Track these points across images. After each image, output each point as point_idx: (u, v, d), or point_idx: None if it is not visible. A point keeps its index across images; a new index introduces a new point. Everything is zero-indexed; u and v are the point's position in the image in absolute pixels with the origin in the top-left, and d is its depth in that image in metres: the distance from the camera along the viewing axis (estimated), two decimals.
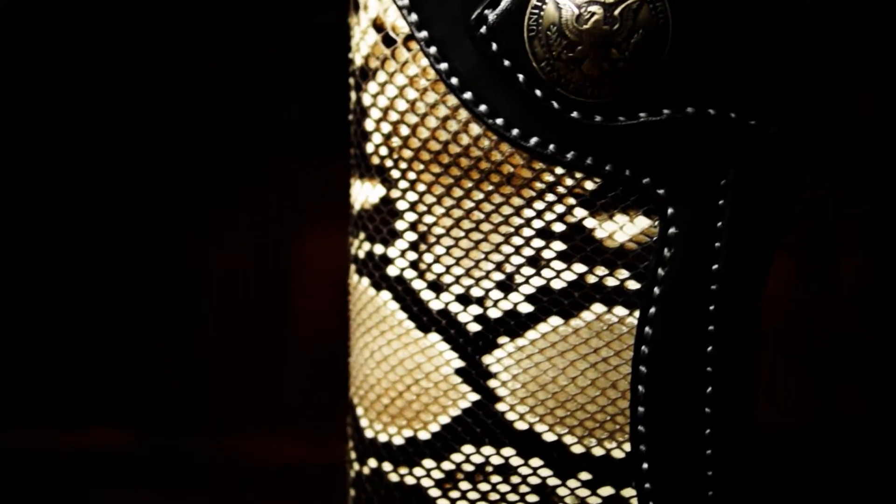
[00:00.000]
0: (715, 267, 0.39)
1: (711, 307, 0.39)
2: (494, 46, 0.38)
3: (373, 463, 0.42)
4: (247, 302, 0.74)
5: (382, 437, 0.42)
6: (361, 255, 0.42)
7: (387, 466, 0.42)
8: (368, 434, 0.42)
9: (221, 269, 0.74)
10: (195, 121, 0.75)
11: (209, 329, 0.74)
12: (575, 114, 0.38)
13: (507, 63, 0.38)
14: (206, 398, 0.72)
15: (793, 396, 0.73)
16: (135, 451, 0.65)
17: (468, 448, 0.41)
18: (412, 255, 0.40)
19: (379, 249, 0.41)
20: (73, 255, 0.76)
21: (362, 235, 0.42)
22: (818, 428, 0.70)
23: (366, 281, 0.42)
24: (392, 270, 0.41)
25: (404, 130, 0.40)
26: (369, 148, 0.41)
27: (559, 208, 0.39)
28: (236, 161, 0.74)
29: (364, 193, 0.41)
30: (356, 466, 0.43)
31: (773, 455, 0.64)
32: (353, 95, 0.42)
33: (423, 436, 0.41)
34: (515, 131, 0.39)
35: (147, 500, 0.57)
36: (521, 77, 0.38)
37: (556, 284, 0.40)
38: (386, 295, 0.41)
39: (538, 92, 0.38)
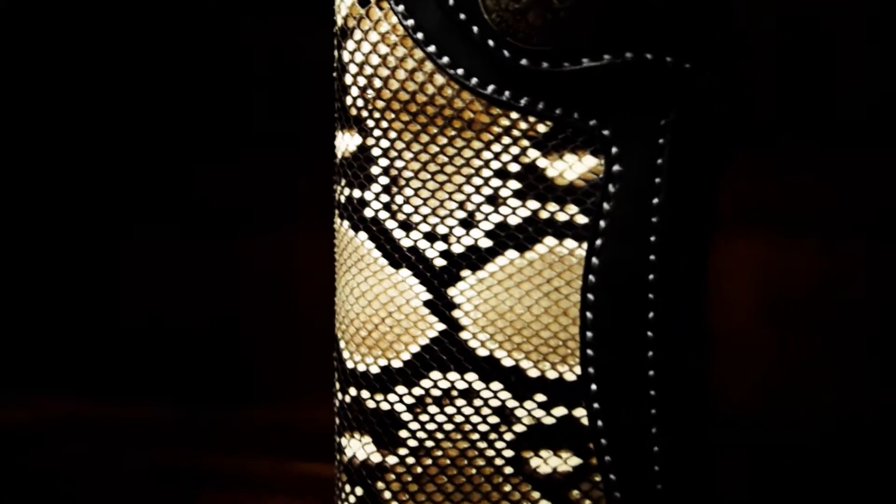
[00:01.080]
0: (655, 201, 0.43)
1: (652, 238, 0.43)
2: (451, 1, 0.43)
3: (353, 392, 0.46)
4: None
5: (361, 367, 0.46)
6: (343, 200, 0.46)
7: (365, 394, 0.46)
8: (349, 365, 0.46)
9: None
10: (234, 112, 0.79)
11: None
12: (524, 61, 0.42)
13: (462, 16, 0.43)
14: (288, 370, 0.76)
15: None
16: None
17: (436, 374, 0.45)
18: (385, 198, 0.45)
19: (357, 194, 0.45)
20: (106, 241, 0.81)
21: (343, 182, 0.46)
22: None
23: (346, 224, 0.46)
24: (368, 212, 0.45)
25: (377, 83, 0.44)
26: (348, 101, 0.45)
27: (514, 150, 0.43)
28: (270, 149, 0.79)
29: (345, 143, 0.46)
30: (339, 396, 0.47)
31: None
32: (335, 54, 0.46)
33: (396, 364, 0.45)
34: (474, 80, 0.43)
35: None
36: (475, 29, 0.43)
37: (513, 220, 0.44)
38: (363, 235, 0.45)
39: (491, 42, 0.43)
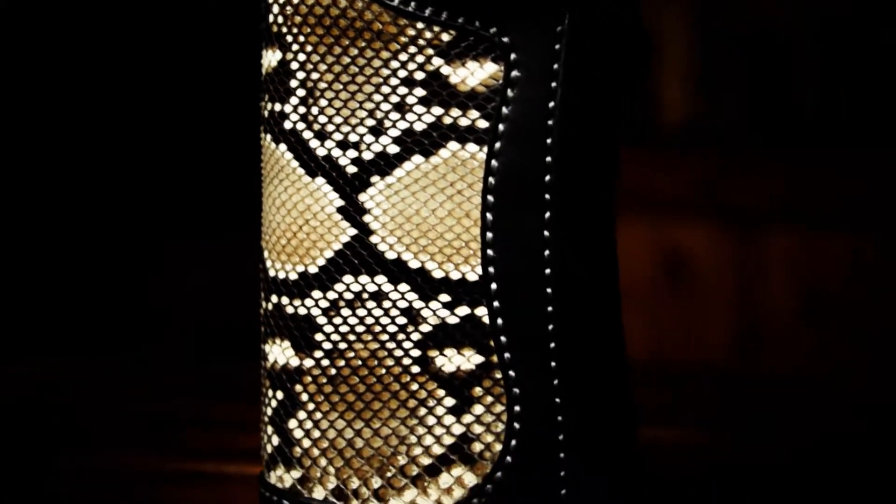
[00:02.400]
0: (551, 105, 0.44)
1: (548, 140, 0.45)
2: None
3: (274, 299, 0.48)
4: None
5: (281, 275, 0.48)
6: (266, 114, 0.48)
7: (284, 300, 0.48)
8: (271, 273, 0.48)
9: None
10: None
11: None
12: None
13: None
14: None
15: None
16: None
17: (348, 278, 0.46)
18: (302, 109, 0.47)
19: (278, 107, 0.47)
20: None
21: (266, 97, 0.48)
22: None
23: (269, 137, 0.48)
24: (287, 124, 0.47)
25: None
26: (270, 19, 0.48)
27: (420, 59, 0.45)
28: None
29: (268, 59, 0.48)
30: (263, 304, 0.49)
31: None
32: None
33: (312, 270, 0.47)
34: None
35: None
36: None
37: (418, 127, 0.45)
38: (283, 147, 0.47)
39: None
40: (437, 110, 0.45)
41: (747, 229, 1.26)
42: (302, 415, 0.47)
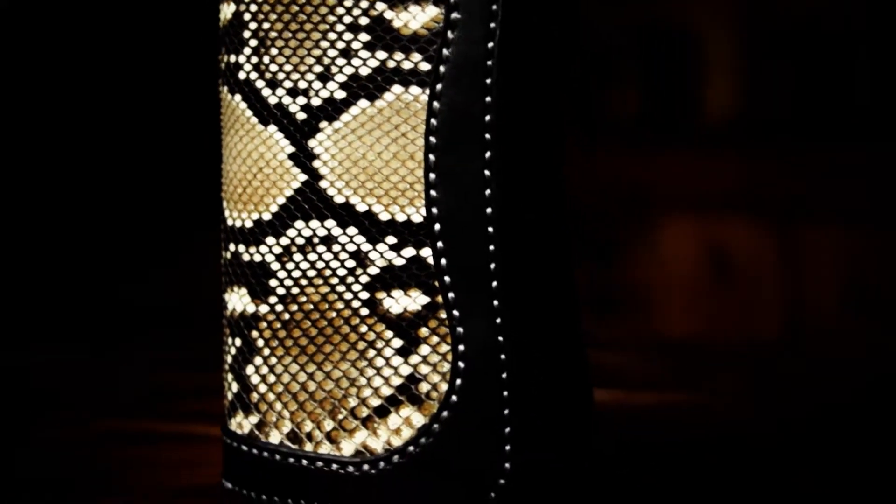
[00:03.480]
0: (490, 45, 0.45)
1: (488, 80, 0.45)
2: None
3: (232, 247, 0.49)
4: None
5: (238, 223, 0.48)
6: (223, 66, 0.49)
7: (241, 248, 0.48)
8: (229, 223, 0.49)
9: None
10: None
11: None
12: None
13: None
14: None
15: None
16: None
17: (299, 223, 0.47)
18: (255, 59, 0.47)
19: (233, 58, 0.48)
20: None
21: (223, 49, 0.49)
22: None
23: (226, 88, 0.49)
24: (241, 74, 0.48)
25: None
26: None
27: (364, 4, 0.46)
28: None
29: (224, 13, 0.49)
30: (223, 254, 0.49)
31: None
32: None
33: (266, 216, 0.48)
34: None
35: None
36: None
37: (364, 71, 0.46)
38: (238, 97, 0.48)
39: None
40: (382, 54, 0.46)
41: (790, 224, 1.25)
42: (258, 360, 0.48)
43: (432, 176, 0.45)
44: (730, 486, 0.51)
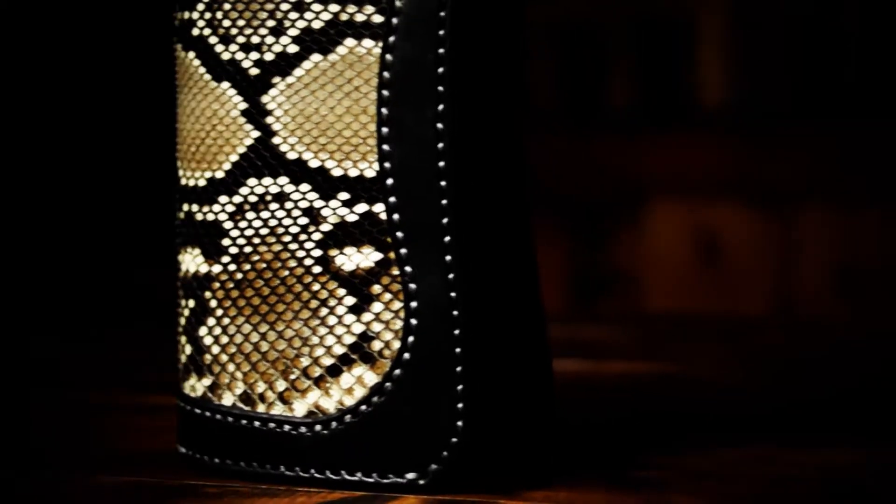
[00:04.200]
0: None
1: (441, 31, 0.44)
2: None
3: (185, 207, 0.48)
4: None
5: (191, 183, 0.48)
6: (177, 24, 0.48)
7: (194, 208, 0.47)
8: (182, 182, 0.48)
9: None
10: None
11: None
12: None
13: None
14: None
15: None
16: None
17: (252, 181, 0.46)
18: (208, 15, 0.47)
19: (186, 15, 0.47)
20: None
21: (178, 6, 0.48)
22: None
23: (180, 45, 0.48)
24: (195, 31, 0.47)
25: None
26: None
27: None
28: None
29: None
30: (178, 214, 0.48)
31: None
32: None
33: (219, 175, 0.47)
34: None
35: None
36: None
37: (316, 25, 0.45)
38: (191, 54, 0.47)
39: None
40: (334, 7, 0.45)
41: (782, 207, 1.24)
42: (211, 321, 0.47)
43: (385, 130, 0.44)
44: (687, 449, 0.50)
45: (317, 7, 0.45)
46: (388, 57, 0.44)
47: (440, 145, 0.44)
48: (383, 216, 0.45)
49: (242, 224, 0.46)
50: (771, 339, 0.81)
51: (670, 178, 1.24)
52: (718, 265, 1.25)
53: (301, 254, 0.45)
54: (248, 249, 0.46)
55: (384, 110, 0.44)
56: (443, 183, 0.44)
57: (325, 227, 0.45)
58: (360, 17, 0.45)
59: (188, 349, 0.48)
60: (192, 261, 0.48)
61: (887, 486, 0.45)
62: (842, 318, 1.18)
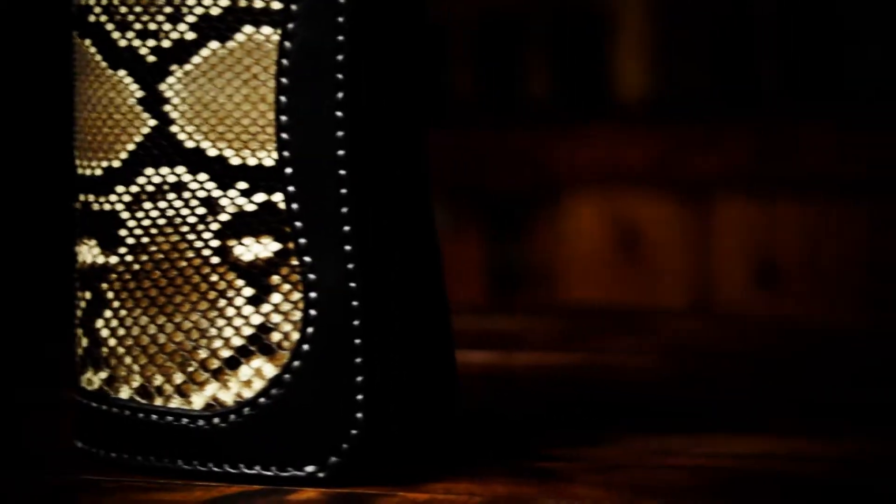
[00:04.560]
0: None
1: (340, 18, 0.43)
2: None
3: (82, 197, 0.47)
4: None
5: (88, 172, 0.47)
6: (75, 10, 0.47)
7: (91, 198, 0.47)
8: (79, 172, 0.47)
9: None
10: None
11: None
12: None
13: None
14: None
15: None
16: None
17: (149, 170, 0.45)
18: (105, 1, 0.46)
19: (84, 1, 0.47)
20: None
21: None
22: None
23: (77, 33, 0.47)
24: (91, 17, 0.46)
25: None
26: None
27: None
28: None
29: None
30: (75, 205, 0.48)
31: None
32: None
33: (116, 164, 0.46)
34: None
35: None
36: None
37: (214, 11, 0.44)
38: (88, 41, 0.46)
39: None
40: None
41: (700, 200, 1.24)
42: (108, 313, 0.46)
43: (284, 118, 0.44)
44: (597, 440, 0.50)
45: None
46: (287, 44, 0.44)
47: (339, 133, 0.43)
48: (282, 206, 0.44)
49: (139, 214, 0.45)
50: (687, 331, 0.81)
51: (588, 169, 1.24)
52: (636, 257, 1.25)
53: (199, 244, 0.45)
54: (145, 240, 0.45)
55: (283, 98, 0.44)
56: (342, 172, 0.43)
57: (224, 217, 0.45)
58: (258, 4, 0.44)
59: (84, 342, 0.47)
60: (88, 252, 0.47)
61: (799, 476, 0.45)
62: (759, 310, 1.18)
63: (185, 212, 0.45)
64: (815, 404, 0.57)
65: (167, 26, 0.45)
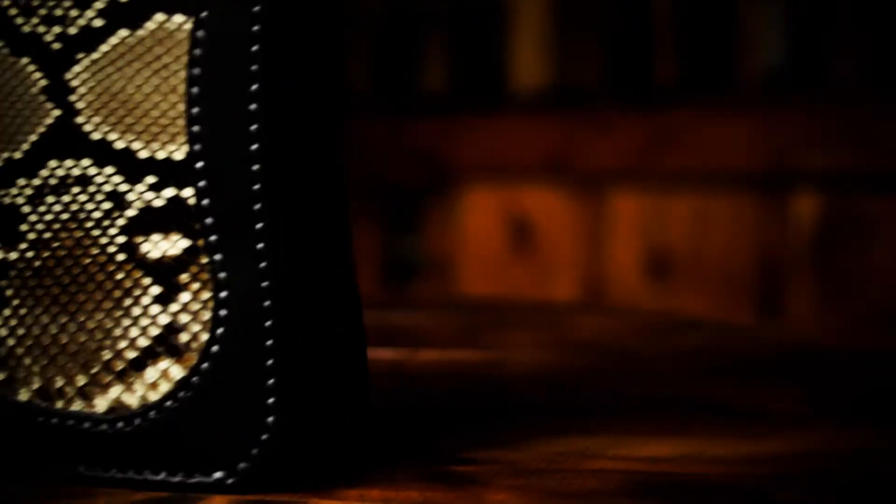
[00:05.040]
0: None
1: (256, 8, 0.42)
2: None
3: None
4: None
5: None
6: None
7: None
8: None
9: None
10: None
11: None
12: None
13: None
14: None
15: None
16: None
17: (53, 163, 0.43)
18: None
19: None
20: None
21: None
22: None
23: None
24: None
25: None
26: None
27: None
28: None
29: None
30: None
31: None
32: None
33: (17, 156, 0.44)
34: None
35: None
36: None
37: None
38: None
39: None
40: None
41: (593, 192, 1.24)
42: (7, 312, 0.44)
43: (195, 110, 0.42)
44: (511, 434, 0.49)
45: None
46: (200, 33, 0.42)
47: (253, 127, 0.42)
48: (192, 201, 0.42)
49: (42, 208, 0.44)
50: (586, 326, 0.80)
51: (484, 162, 1.23)
52: (530, 249, 1.25)
53: (104, 240, 0.43)
54: (47, 235, 0.44)
55: (194, 89, 0.42)
56: (255, 167, 0.42)
57: (131, 213, 0.43)
58: None
59: None
60: None
61: (707, 477, 0.44)
62: (651, 302, 1.19)
63: (89, 206, 0.43)
64: (717, 404, 0.56)
65: (74, 12, 0.43)
